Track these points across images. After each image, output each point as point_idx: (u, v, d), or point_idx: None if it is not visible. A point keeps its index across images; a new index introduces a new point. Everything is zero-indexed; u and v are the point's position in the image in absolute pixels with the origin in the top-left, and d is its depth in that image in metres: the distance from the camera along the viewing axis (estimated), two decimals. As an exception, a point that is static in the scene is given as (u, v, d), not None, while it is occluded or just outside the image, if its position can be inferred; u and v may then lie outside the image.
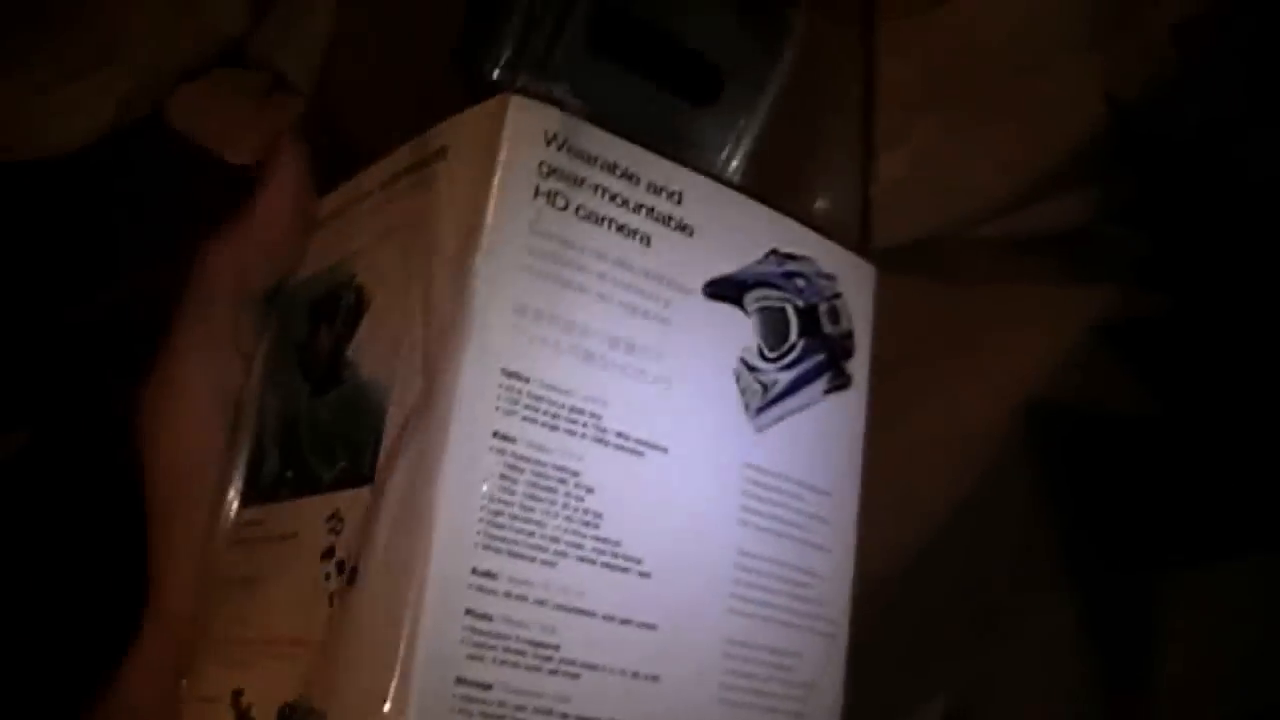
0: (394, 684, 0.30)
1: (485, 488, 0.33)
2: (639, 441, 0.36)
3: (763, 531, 0.38)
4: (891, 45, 0.45)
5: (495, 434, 0.33)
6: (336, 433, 0.37)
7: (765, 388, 0.39)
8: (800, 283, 0.41)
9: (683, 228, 0.38)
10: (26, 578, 0.47)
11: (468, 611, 0.32)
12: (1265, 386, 0.43)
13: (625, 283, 0.36)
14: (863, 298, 0.43)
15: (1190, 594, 0.43)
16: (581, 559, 0.34)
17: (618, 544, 0.35)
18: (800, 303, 0.41)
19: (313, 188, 0.42)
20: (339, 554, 0.34)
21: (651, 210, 0.37)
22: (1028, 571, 0.45)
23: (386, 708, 0.30)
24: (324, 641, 0.33)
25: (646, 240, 0.37)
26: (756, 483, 0.38)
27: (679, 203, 0.38)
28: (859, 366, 0.42)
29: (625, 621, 0.35)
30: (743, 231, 0.39)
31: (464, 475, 0.32)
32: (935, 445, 0.46)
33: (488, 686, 0.32)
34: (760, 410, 0.39)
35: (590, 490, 0.34)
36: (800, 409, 0.40)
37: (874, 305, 0.43)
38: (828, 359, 0.41)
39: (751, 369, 0.39)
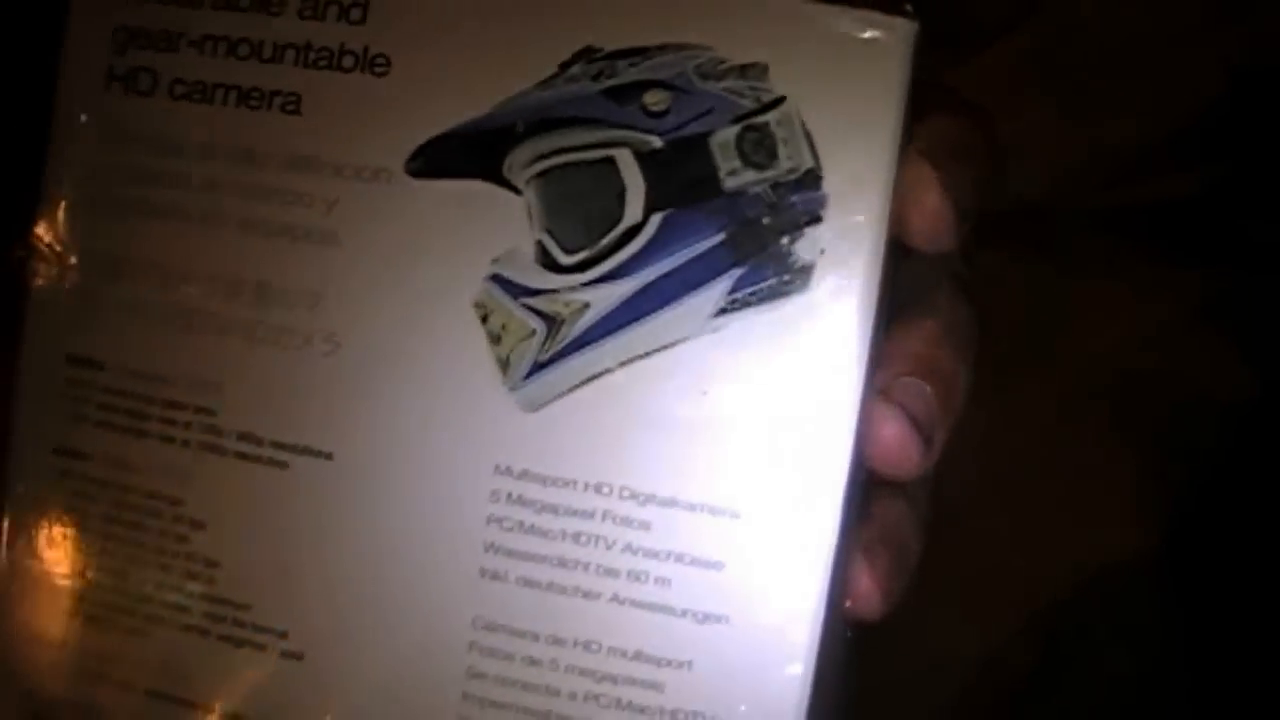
0: None
1: (49, 527, 0.23)
2: (278, 446, 0.22)
3: (535, 591, 0.21)
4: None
5: (57, 449, 0.23)
6: None
7: (550, 323, 0.21)
8: (657, 99, 0.21)
9: (370, 63, 0.22)
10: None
11: (29, 695, 0.24)
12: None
13: (250, 188, 0.22)
14: (869, 93, 0.20)
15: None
16: (187, 628, 0.23)
17: (244, 609, 0.22)
18: (655, 139, 0.21)
19: None
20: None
21: (304, 50, 0.22)
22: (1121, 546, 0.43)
23: None
24: None
25: (291, 104, 0.22)
26: (522, 501, 0.21)
27: (360, 20, 0.22)
28: (844, 245, 0.20)
29: (262, 728, 0.22)
30: (506, 31, 0.21)
31: (23, 511, 0.24)
32: (1031, 417, 0.43)
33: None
34: (538, 368, 0.21)
35: (198, 526, 0.23)
36: (646, 350, 0.21)
37: (900, 105, 0.20)
38: (731, 239, 0.20)
39: (518, 291, 0.21)
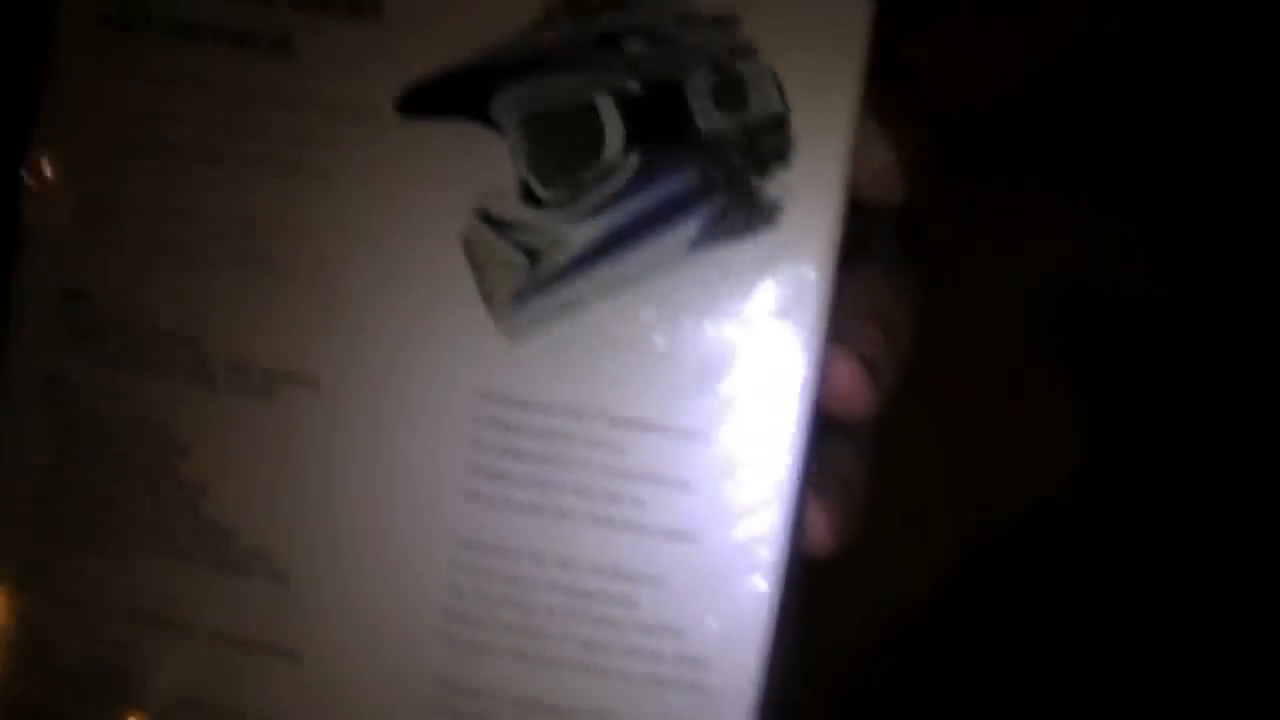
0: None
1: (35, 456, 0.24)
2: (265, 373, 0.23)
3: (515, 512, 0.22)
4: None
5: (48, 379, 0.24)
6: None
7: (533, 257, 0.22)
8: (636, 47, 0.22)
9: (360, 6, 0.23)
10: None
11: (17, 617, 0.24)
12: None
13: (241, 126, 0.23)
14: (834, 45, 0.22)
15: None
16: (171, 554, 0.23)
17: (230, 534, 0.23)
18: (634, 84, 0.22)
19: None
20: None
21: (296, -7, 0.23)
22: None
23: None
24: None
25: (283, 45, 0.23)
26: (505, 425, 0.22)
27: (352, -35, 0.23)
28: (810, 185, 0.22)
29: (247, 644, 0.23)
30: (492, -20, 0.22)
31: (14, 439, 0.24)
32: (967, 320, 0.42)
33: None
34: (521, 299, 0.22)
35: (183, 453, 0.23)
36: (624, 282, 0.22)
37: (861, 58, 0.21)
38: (705, 178, 0.22)
39: (502, 226, 0.22)
